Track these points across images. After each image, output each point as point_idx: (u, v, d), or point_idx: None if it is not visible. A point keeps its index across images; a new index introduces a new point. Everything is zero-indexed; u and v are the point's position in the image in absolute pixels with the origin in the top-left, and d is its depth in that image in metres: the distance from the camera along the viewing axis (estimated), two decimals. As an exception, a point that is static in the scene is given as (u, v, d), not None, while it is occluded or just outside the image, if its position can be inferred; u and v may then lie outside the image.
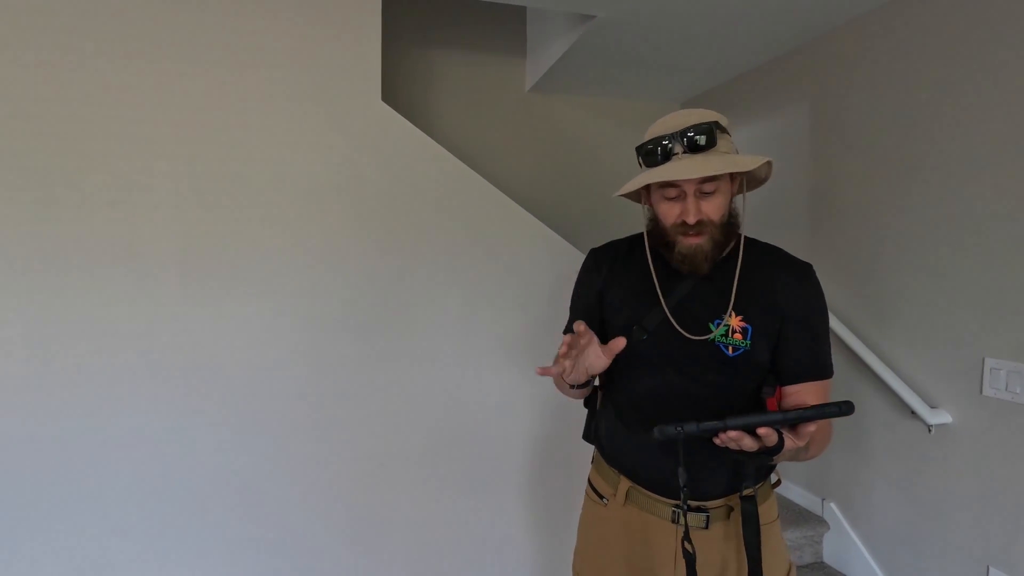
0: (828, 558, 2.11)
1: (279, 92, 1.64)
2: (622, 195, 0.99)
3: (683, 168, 0.89)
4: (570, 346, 0.86)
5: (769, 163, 0.95)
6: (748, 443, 0.79)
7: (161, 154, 1.57)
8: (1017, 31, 1.52)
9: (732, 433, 0.78)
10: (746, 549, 0.96)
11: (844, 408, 0.74)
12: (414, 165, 1.76)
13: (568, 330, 1.15)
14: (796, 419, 0.76)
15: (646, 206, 1.05)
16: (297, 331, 1.69)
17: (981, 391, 1.60)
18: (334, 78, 1.68)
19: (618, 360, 0.97)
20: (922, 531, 1.78)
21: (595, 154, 2.89)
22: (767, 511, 1.02)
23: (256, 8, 1.61)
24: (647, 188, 1.00)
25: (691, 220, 0.92)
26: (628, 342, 0.95)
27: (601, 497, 1.10)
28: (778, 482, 1.12)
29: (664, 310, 0.99)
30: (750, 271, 1.00)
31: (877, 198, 1.92)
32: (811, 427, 0.78)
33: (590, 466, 1.18)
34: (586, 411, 1.19)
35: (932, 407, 1.72)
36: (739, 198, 1.01)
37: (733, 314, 0.97)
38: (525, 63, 2.77)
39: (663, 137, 0.92)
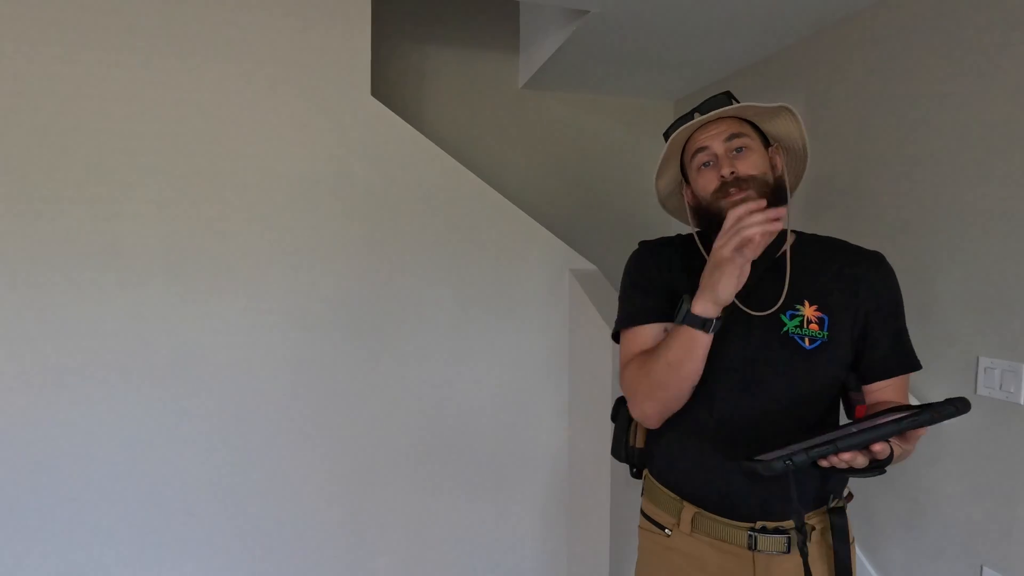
0: (822, 558, 2.10)
1: (266, 87, 1.61)
2: (665, 205, 1.06)
3: (697, 121, 0.91)
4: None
5: (791, 116, 0.94)
6: (860, 460, 0.72)
7: (145, 150, 1.54)
8: (1013, 28, 1.51)
9: (845, 455, 0.70)
10: (836, 568, 0.87)
11: (960, 406, 0.66)
12: (405, 162, 1.73)
13: (640, 316, 0.99)
14: (912, 427, 0.68)
15: (690, 205, 1.00)
16: (285, 331, 1.66)
17: (975, 390, 1.60)
18: (323, 72, 1.65)
19: None
20: (915, 530, 1.77)
21: (588, 152, 2.87)
22: (851, 528, 0.95)
23: (242, 0, 1.58)
24: (687, 184, 0.99)
25: (726, 171, 0.89)
26: None
27: (662, 528, 0.99)
28: (850, 495, 1.01)
29: (735, 301, 0.89)
30: (820, 262, 0.96)
31: (871, 196, 1.91)
32: (923, 431, 0.72)
33: (640, 497, 1.07)
34: (612, 424, 1.09)
35: (926, 406, 1.71)
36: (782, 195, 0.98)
37: (807, 303, 0.91)
38: (518, 59, 2.75)
39: (683, 115, 0.95)
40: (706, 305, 0.83)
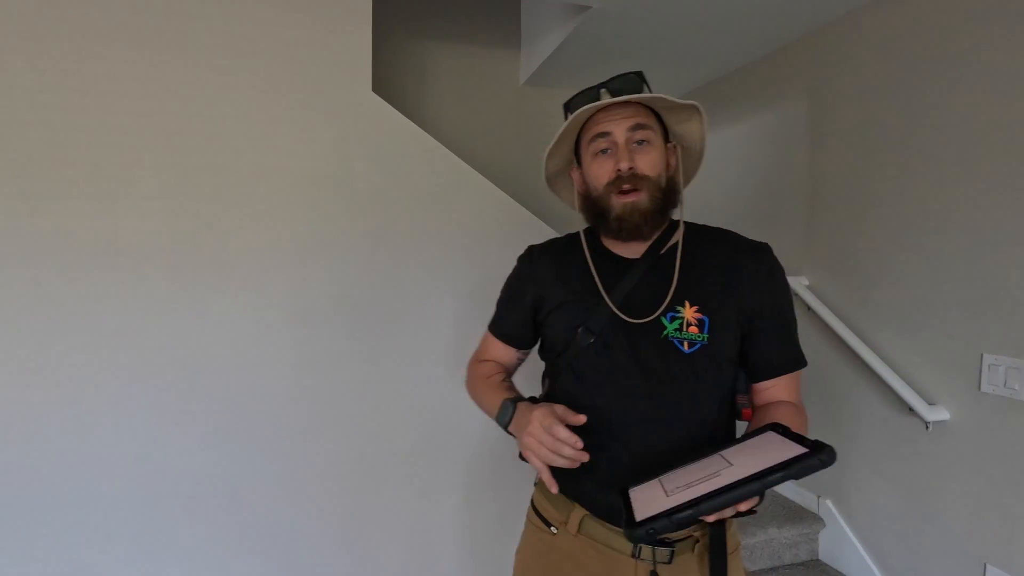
0: (824, 555, 2.10)
1: (267, 82, 1.60)
2: (552, 184, 1.04)
3: (610, 101, 0.87)
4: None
5: (698, 118, 0.90)
6: (728, 513, 0.69)
7: (146, 146, 1.53)
8: (1012, 25, 1.50)
9: (710, 517, 0.68)
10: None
11: (825, 459, 0.64)
12: (406, 158, 1.72)
13: (495, 327, 1.09)
14: (777, 482, 0.66)
15: (579, 191, 0.96)
16: (286, 327, 1.65)
17: (979, 387, 1.59)
18: (324, 68, 1.64)
19: (565, 370, 0.94)
20: (919, 528, 1.77)
21: (590, 148, 2.85)
22: (731, 539, 0.92)
23: (243, -5, 1.56)
24: (578, 165, 0.95)
25: (624, 165, 0.86)
26: (575, 348, 0.92)
27: (549, 525, 0.97)
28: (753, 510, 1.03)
29: (609, 306, 0.89)
30: (703, 258, 0.91)
31: (874, 192, 1.90)
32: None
33: (533, 487, 1.06)
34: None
35: (930, 404, 1.70)
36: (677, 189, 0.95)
37: (687, 304, 0.88)
38: (519, 56, 2.74)
39: (588, 88, 0.90)
40: (514, 433, 0.89)
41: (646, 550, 0.88)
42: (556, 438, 0.78)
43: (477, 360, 1.13)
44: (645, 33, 2.14)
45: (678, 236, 0.93)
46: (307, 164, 1.64)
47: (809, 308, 2.06)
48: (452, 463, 1.82)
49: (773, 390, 0.92)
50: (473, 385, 1.08)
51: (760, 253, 0.92)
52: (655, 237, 0.93)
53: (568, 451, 0.77)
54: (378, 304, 1.73)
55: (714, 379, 0.89)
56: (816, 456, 0.64)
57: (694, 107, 0.89)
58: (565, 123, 0.90)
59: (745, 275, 0.90)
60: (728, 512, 0.69)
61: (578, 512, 0.94)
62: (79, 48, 1.47)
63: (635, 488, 0.80)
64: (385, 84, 2.48)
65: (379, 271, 1.72)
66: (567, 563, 0.94)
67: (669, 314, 0.88)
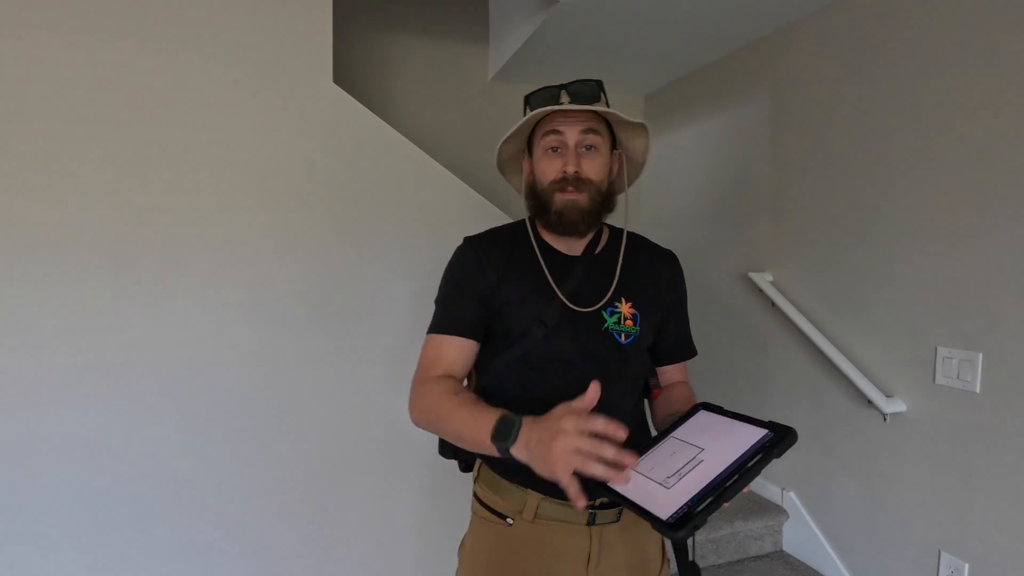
0: (788, 547, 2.14)
1: (222, 69, 1.54)
2: (503, 169, 1.07)
3: (568, 107, 0.92)
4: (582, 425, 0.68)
5: (645, 135, 1.00)
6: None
7: (90, 135, 1.45)
8: (978, 26, 1.54)
9: (727, 503, 0.70)
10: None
11: (794, 436, 0.73)
12: (368, 151, 1.68)
13: (449, 326, 0.96)
14: (769, 460, 0.71)
15: (526, 180, 1.02)
16: (244, 326, 1.59)
17: (934, 380, 1.64)
18: (282, 56, 1.59)
19: (515, 362, 0.95)
20: (878, 518, 1.81)
21: (559, 145, 2.84)
22: None
23: (194, -21, 1.50)
24: (529, 155, 1.01)
25: (571, 169, 0.93)
26: (530, 340, 0.94)
27: (503, 517, 0.97)
28: None
29: (562, 299, 0.95)
30: (633, 258, 1.03)
31: (835, 190, 1.94)
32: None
33: (472, 484, 1.05)
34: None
35: (888, 396, 1.74)
36: (620, 195, 1.02)
37: (623, 300, 0.98)
38: (488, 51, 2.71)
39: (550, 86, 0.96)
40: (520, 456, 0.74)
41: (599, 515, 0.95)
42: (595, 431, 0.67)
43: (426, 379, 0.94)
44: (612, 29, 2.14)
45: (604, 238, 1.04)
46: (265, 155, 1.59)
47: (773, 304, 2.09)
48: (418, 459, 1.78)
49: (671, 373, 1.09)
50: (434, 408, 0.89)
51: (671, 259, 1.08)
52: (590, 237, 1.02)
53: (610, 452, 0.67)
54: (340, 300, 1.68)
55: (641, 366, 1.02)
56: (789, 438, 0.73)
57: (643, 126, 0.99)
58: (524, 118, 0.95)
59: (662, 277, 1.04)
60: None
61: (534, 498, 0.95)
62: (23, 29, 1.38)
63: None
64: (347, 76, 2.42)
65: (341, 266, 1.67)
66: (525, 548, 0.96)
67: (609, 309, 0.98)
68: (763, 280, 2.16)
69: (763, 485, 2.25)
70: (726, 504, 0.69)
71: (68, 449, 1.47)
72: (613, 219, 1.04)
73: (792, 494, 2.12)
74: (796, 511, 2.10)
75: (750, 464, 0.71)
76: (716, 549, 2.06)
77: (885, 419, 1.76)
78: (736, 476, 0.70)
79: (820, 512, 2.02)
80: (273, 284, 1.61)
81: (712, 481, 0.70)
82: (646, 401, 1.11)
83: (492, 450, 0.77)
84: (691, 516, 0.67)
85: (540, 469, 0.71)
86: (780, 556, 2.11)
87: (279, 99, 1.59)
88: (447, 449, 1.07)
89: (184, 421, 1.56)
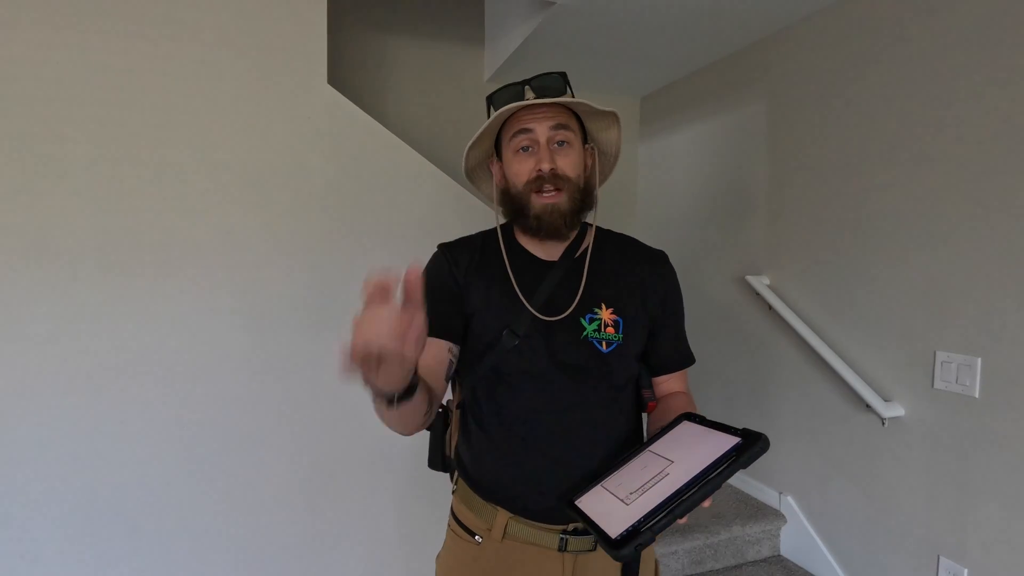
0: (786, 551, 2.12)
1: (216, 70, 1.52)
2: (472, 177, 1.01)
3: (535, 102, 0.87)
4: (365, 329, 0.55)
5: (617, 126, 0.94)
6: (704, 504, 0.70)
7: (80, 136, 1.43)
8: (971, 28, 1.54)
9: (683, 519, 0.67)
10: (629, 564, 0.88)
11: (764, 444, 0.67)
12: (363, 153, 1.66)
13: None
14: (732, 473, 0.66)
15: (498, 185, 0.96)
16: (236, 330, 1.57)
17: (932, 384, 1.63)
18: (276, 57, 1.57)
19: (487, 374, 0.91)
20: (876, 523, 1.80)
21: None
22: None
23: (186, -22, 1.48)
24: (499, 160, 0.96)
25: (546, 166, 0.88)
26: (499, 350, 0.89)
27: (472, 534, 0.95)
28: None
29: (530, 309, 0.90)
30: (613, 262, 0.97)
31: (832, 193, 1.93)
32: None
33: (451, 496, 1.03)
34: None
35: (886, 400, 1.73)
36: (594, 191, 0.97)
37: (604, 306, 0.92)
38: (483, 52, 2.69)
39: (513, 83, 0.91)
40: (372, 384, 0.64)
41: (572, 542, 0.90)
42: (371, 297, 0.55)
43: None
44: (608, 31, 2.13)
45: (589, 240, 0.97)
46: (258, 157, 1.57)
47: (770, 307, 2.08)
48: (411, 466, 1.76)
49: (668, 383, 1.00)
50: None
51: (660, 260, 1.00)
52: (571, 240, 0.96)
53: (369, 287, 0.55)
54: (336, 304, 1.66)
55: (627, 376, 0.94)
56: (758, 444, 0.67)
57: (613, 115, 0.93)
58: (489, 119, 0.91)
59: (649, 280, 0.97)
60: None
61: (503, 516, 0.92)
62: (9, 28, 1.36)
63: (582, 498, 0.77)
64: (341, 77, 2.40)
65: (336, 270, 1.66)
66: (493, 568, 0.93)
67: (588, 315, 0.92)
68: (760, 283, 2.15)
69: (761, 490, 2.24)
70: (681, 520, 0.66)
71: (58, 455, 1.44)
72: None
73: (790, 499, 2.10)
74: (794, 516, 2.08)
75: (712, 475, 0.66)
76: (714, 554, 2.04)
77: (883, 424, 1.75)
78: (695, 489, 0.65)
79: (818, 517, 2.01)
80: (266, 286, 1.59)
81: (671, 495, 0.66)
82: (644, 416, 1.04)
83: (397, 417, 0.75)
84: (636, 534, 0.64)
85: (371, 377, 0.60)
86: (778, 561, 2.10)
87: (273, 100, 1.57)
88: (436, 462, 1.04)
89: (176, 425, 1.53)
